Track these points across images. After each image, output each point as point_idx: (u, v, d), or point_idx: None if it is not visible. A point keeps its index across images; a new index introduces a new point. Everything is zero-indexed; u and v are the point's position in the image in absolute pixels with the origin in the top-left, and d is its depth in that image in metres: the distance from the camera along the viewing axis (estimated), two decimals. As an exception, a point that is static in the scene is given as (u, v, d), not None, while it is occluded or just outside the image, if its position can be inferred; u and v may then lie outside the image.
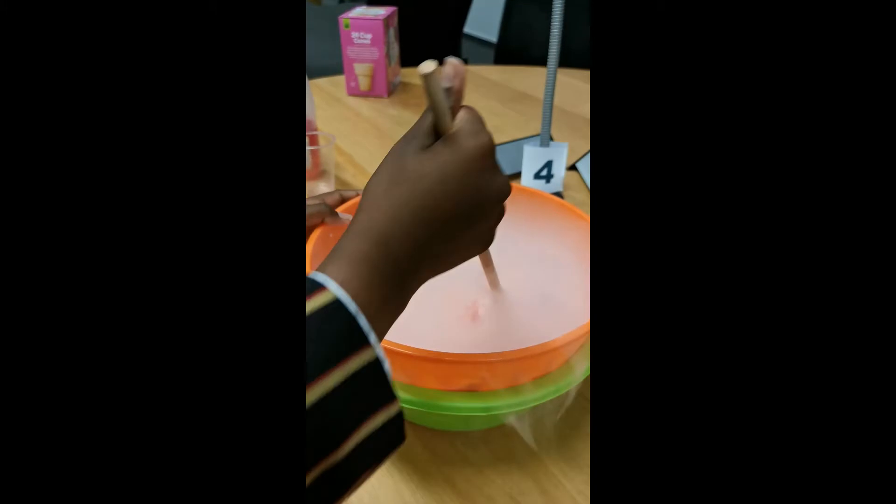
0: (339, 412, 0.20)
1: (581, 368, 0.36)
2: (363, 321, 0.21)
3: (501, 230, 0.50)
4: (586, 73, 1.13)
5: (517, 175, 0.73)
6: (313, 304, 0.20)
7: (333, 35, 1.00)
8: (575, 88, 1.07)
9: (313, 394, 0.19)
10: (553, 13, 0.55)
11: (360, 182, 0.74)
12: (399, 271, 0.24)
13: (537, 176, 0.67)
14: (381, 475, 0.37)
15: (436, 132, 0.26)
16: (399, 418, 0.22)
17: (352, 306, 0.21)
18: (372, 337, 0.21)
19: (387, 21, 0.96)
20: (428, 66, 0.24)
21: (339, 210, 0.45)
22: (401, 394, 0.34)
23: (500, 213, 0.28)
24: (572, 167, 0.78)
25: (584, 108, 0.98)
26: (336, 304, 0.21)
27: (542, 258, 0.47)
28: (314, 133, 0.66)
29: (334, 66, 1.06)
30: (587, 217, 0.46)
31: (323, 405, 0.19)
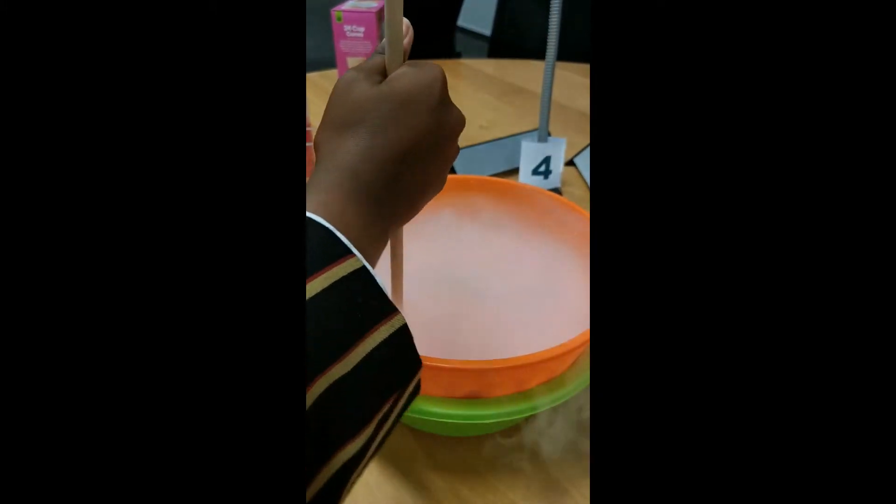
0: (329, 319, 0.18)
1: (586, 373, 0.35)
2: (341, 235, 0.20)
3: (502, 228, 0.49)
4: (582, 67, 1.12)
5: (514, 171, 0.72)
6: None
7: (324, 28, 0.99)
8: (571, 82, 1.06)
9: None
10: (552, 7, 0.54)
11: (354, 179, 0.73)
12: (373, 199, 0.23)
13: (535, 172, 0.67)
14: (381, 481, 0.37)
15: (384, 70, 0.26)
16: (405, 332, 0.20)
17: (323, 221, 0.20)
18: (355, 249, 0.20)
19: (380, 14, 0.94)
20: None
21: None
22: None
23: (455, 151, 0.27)
24: (570, 162, 0.77)
25: (581, 103, 0.97)
26: (306, 222, 0.20)
27: (542, 256, 0.47)
28: (308, 129, 0.65)
29: (325, 60, 1.04)
30: (587, 213, 0.45)
31: (309, 312, 0.18)
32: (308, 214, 0.20)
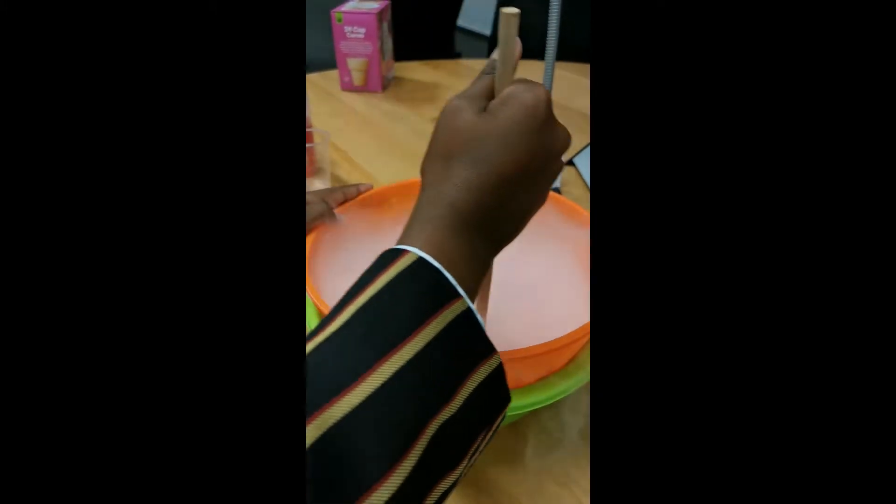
0: (441, 363, 0.19)
1: (584, 369, 0.35)
2: (450, 276, 0.21)
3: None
4: (581, 67, 1.13)
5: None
6: (398, 267, 0.21)
7: (324, 28, 0.99)
8: (570, 82, 1.06)
9: (414, 347, 0.19)
10: (551, 7, 0.55)
11: (355, 179, 0.73)
12: (475, 231, 0.23)
13: (535, 172, 0.67)
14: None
15: (491, 93, 0.26)
16: (500, 372, 0.21)
17: (435, 263, 0.21)
18: (461, 290, 0.21)
19: (380, 15, 0.95)
20: (512, 9, 0.25)
21: (340, 209, 0.45)
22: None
23: (559, 167, 0.27)
24: (569, 162, 0.78)
25: (580, 103, 0.98)
26: (420, 262, 0.21)
27: (541, 255, 0.47)
28: (308, 130, 0.65)
29: (325, 60, 1.05)
30: (585, 213, 0.45)
31: (425, 357, 0.19)
32: (420, 253, 0.21)
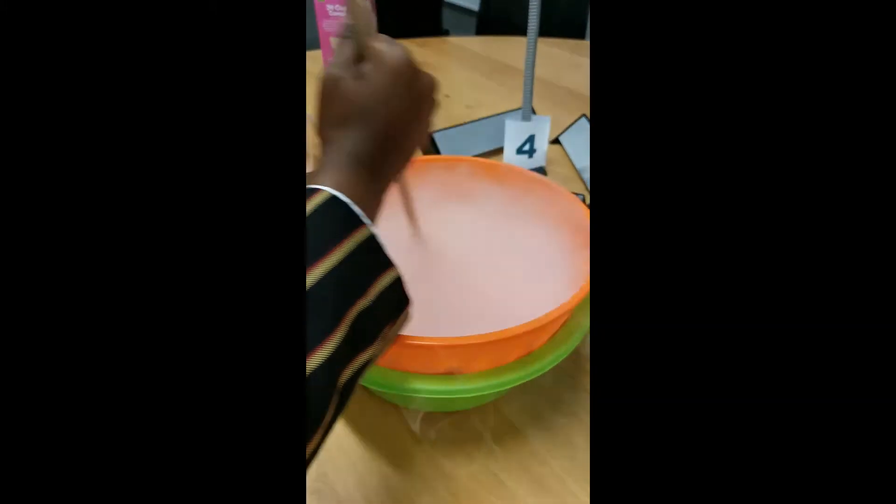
0: (357, 270, 0.26)
1: (563, 346, 0.36)
2: (356, 208, 0.27)
3: (483, 208, 0.50)
4: (569, 43, 1.11)
5: (499, 150, 0.72)
6: (314, 203, 0.26)
7: (307, 7, 0.97)
8: (558, 59, 1.05)
9: (336, 257, 0.25)
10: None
11: (340, 161, 0.73)
12: (371, 172, 0.30)
13: (520, 151, 0.67)
14: (364, 456, 0.38)
15: (358, 56, 0.31)
16: (399, 281, 0.28)
17: (344, 198, 0.27)
18: (365, 218, 0.27)
19: (363, -8, 0.93)
20: None
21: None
22: (380, 379, 0.34)
23: (433, 104, 0.33)
24: (555, 141, 0.77)
25: (568, 80, 0.97)
26: (333, 199, 0.27)
27: (523, 235, 0.47)
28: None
29: (308, 40, 1.03)
30: (569, 194, 0.45)
31: (343, 267, 0.25)
32: (333, 192, 0.27)
